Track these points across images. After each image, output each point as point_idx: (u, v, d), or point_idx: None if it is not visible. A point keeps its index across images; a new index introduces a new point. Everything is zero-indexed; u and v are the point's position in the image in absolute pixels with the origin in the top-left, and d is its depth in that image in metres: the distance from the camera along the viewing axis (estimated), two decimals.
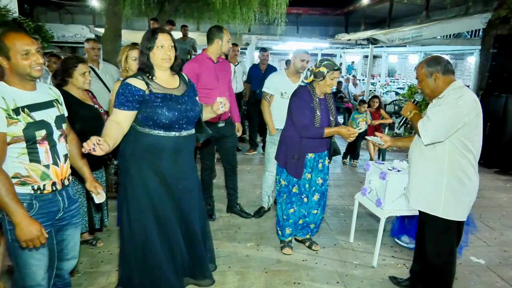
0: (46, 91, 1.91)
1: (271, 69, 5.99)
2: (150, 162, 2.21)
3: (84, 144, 1.75)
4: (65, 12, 17.67)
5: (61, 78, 2.71)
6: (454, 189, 2.27)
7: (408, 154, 2.54)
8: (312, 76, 2.92)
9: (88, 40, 4.35)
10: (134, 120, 2.19)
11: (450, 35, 10.76)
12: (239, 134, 3.75)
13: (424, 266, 2.55)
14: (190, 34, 8.91)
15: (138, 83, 2.14)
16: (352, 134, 2.81)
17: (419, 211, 2.47)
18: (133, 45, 3.15)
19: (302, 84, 3.05)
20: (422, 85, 2.37)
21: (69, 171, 1.97)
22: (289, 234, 3.20)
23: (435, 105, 2.29)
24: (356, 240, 3.47)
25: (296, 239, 3.38)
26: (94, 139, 1.76)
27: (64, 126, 1.93)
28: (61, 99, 2.00)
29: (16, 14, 10.32)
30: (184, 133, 2.26)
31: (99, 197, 2.14)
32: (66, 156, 1.92)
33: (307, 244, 3.31)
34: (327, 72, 2.84)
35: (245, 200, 4.34)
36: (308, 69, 3.08)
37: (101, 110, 2.90)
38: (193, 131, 2.35)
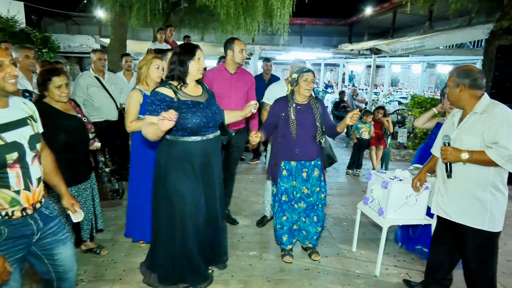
0: (20, 107, 1.70)
1: (275, 79, 5.97)
2: (183, 168, 2.43)
3: (165, 114, 1.96)
4: (72, 23, 17.93)
5: (39, 91, 2.61)
6: (497, 201, 2.30)
7: (437, 169, 2.54)
8: (290, 86, 3.10)
9: (95, 51, 4.44)
10: None
11: (453, 45, 10.78)
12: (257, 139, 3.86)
13: (466, 275, 2.51)
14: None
15: (167, 91, 2.33)
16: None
17: (451, 222, 2.43)
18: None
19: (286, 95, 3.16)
20: (449, 91, 2.41)
21: (42, 193, 1.79)
22: (287, 241, 3.21)
23: (480, 122, 2.29)
24: (358, 249, 3.47)
25: (301, 247, 3.39)
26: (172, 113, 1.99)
27: (38, 146, 1.73)
28: (36, 115, 1.80)
29: (24, 25, 10.50)
30: (210, 136, 2.47)
31: (77, 216, 2.03)
32: (39, 179, 1.74)
33: (308, 252, 3.31)
34: (298, 76, 2.99)
35: (248, 209, 4.35)
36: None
37: (85, 119, 2.86)
38: (218, 133, 2.58)
